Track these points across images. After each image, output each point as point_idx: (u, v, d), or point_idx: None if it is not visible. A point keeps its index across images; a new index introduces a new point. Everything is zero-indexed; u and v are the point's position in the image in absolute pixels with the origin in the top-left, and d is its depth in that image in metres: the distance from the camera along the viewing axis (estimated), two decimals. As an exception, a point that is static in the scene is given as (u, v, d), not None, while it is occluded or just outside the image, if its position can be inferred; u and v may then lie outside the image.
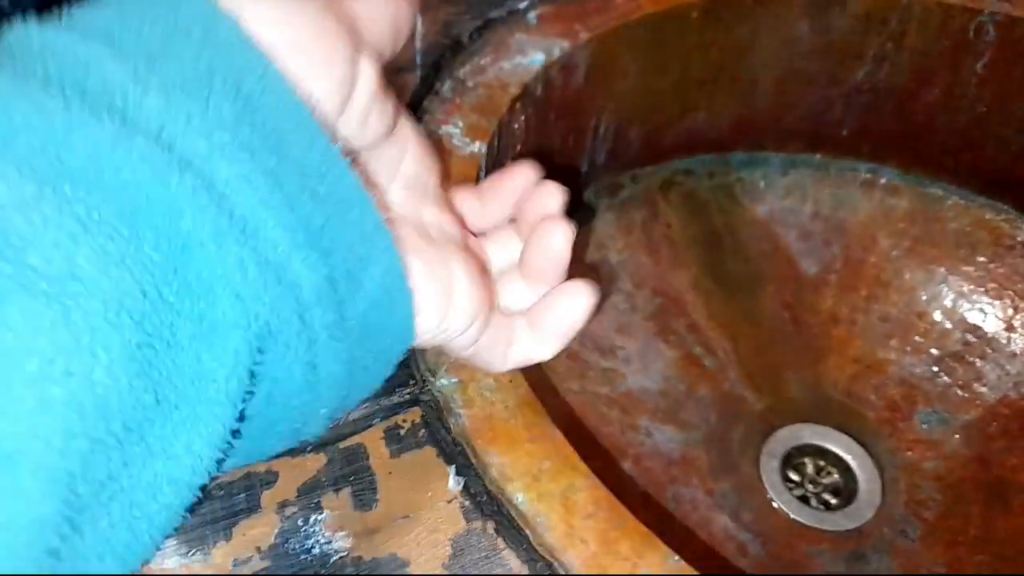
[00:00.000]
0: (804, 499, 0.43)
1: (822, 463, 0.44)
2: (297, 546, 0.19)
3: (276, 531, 0.19)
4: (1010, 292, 0.45)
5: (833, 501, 0.43)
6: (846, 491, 0.43)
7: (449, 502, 0.20)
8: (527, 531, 0.20)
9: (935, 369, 0.45)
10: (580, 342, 0.43)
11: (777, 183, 0.49)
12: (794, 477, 0.44)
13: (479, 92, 0.33)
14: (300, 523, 0.19)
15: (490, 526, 0.19)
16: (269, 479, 0.20)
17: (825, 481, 0.44)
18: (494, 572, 0.18)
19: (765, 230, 0.49)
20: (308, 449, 0.20)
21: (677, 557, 0.20)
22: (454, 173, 0.30)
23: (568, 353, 0.43)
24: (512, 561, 0.19)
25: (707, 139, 0.48)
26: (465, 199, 0.24)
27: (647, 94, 0.43)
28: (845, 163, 0.49)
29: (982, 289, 0.45)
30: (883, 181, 0.48)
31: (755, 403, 0.45)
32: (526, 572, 0.19)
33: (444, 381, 0.23)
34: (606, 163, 0.45)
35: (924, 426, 0.43)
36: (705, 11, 0.41)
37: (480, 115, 0.32)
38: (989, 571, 0.37)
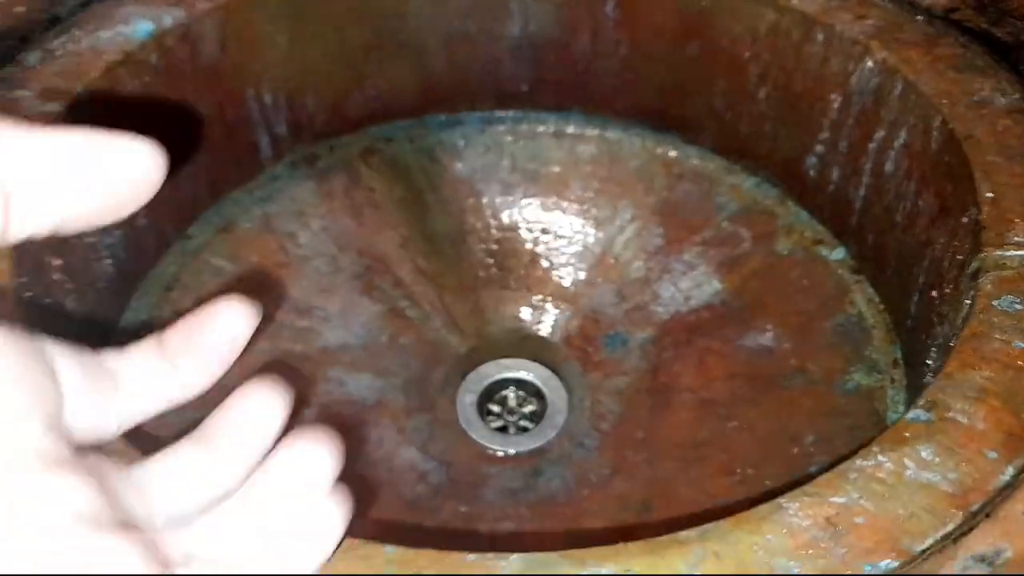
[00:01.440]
0: (503, 428, 0.45)
1: (522, 394, 0.46)
2: None
3: None
4: (680, 218, 0.48)
5: (531, 427, 0.45)
6: (541, 417, 0.45)
7: None
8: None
9: (618, 296, 0.47)
10: (276, 305, 0.44)
11: (476, 141, 0.51)
12: (495, 409, 0.46)
13: (65, 60, 0.34)
14: None
15: None
16: None
17: (524, 410, 0.46)
18: None
19: (467, 187, 0.51)
20: None
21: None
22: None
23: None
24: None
25: (399, 105, 0.50)
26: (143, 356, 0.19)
27: (308, 63, 0.44)
28: (535, 116, 0.51)
29: (658, 218, 0.48)
30: (570, 130, 0.51)
31: (459, 346, 0.46)
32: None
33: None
34: (291, 134, 0.47)
35: (608, 348, 0.46)
36: (341, -24, 0.43)
37: (63, 79, 0.33)
38: (646, 465, 0.40)
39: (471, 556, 0.19)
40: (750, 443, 0.38)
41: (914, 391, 0.35)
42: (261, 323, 0.48)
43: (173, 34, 0.37)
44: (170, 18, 0.37)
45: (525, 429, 0.44)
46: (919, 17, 0.38)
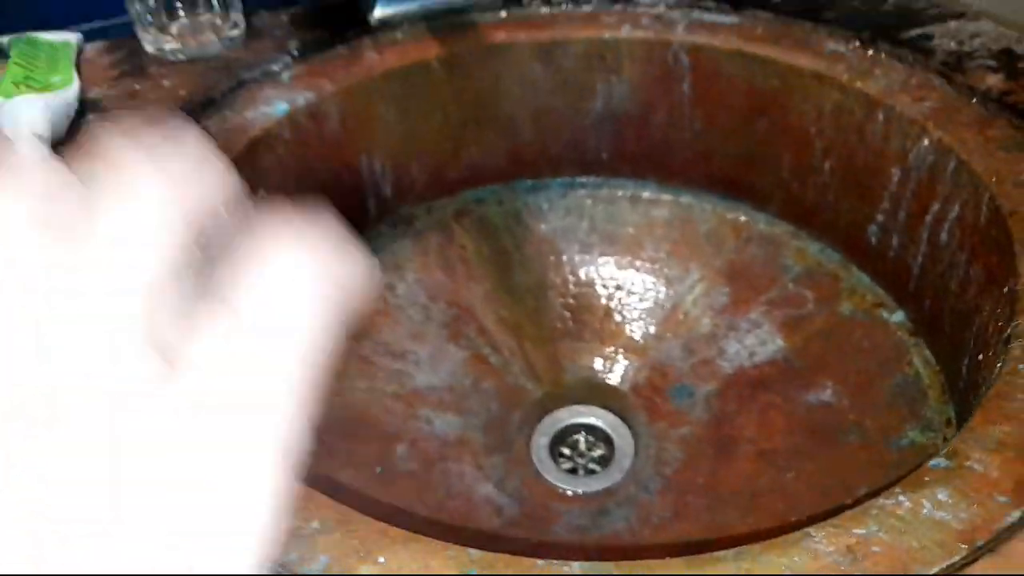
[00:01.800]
0: (572, 470, 0.48)
1: (592, 439, 0.50)
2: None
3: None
4: (747, 279, 0.51)
5: (598, 470, 0.48)
6: (609, 461, 0.48)
7: None
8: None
9: (686, 350, 0.50)
10: (373, 349, 0.50)
11: (558, 204, 0.56)
12: (566, 452, 0.50)
13: (218, 136, 0.41)
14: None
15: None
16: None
17: (593, 454, 0.49)
18: None
19: (549, 245, 0.55)
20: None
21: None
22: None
23: (360, 357, 0.50)
24: None
25: (491, 171, 0.55)
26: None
27: (414, 136, 0.51)
28: (614, 182, 0.56)
29: (725, 278, 0.51)
30: (645, 195, 0.55)
31: (535, 391, 0.50)
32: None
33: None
34: (395, 197, 0.53)
35: (674, 399, 0.49)
36: (445, 62, 0.49)
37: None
38: (706, 511, 0.42)
39: (540, 562, 0.23)
40: (805, 493, 0.40)
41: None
42: (362, 364, 0.53)
43: (304, 112, 0.44)
44: (302, 99, 0.44)
45: (593, 472, 0.48)
46: (974, 100, 0.40)
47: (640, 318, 0.53)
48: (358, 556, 0.22)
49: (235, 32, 0.49)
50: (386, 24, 0.51)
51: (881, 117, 0.42)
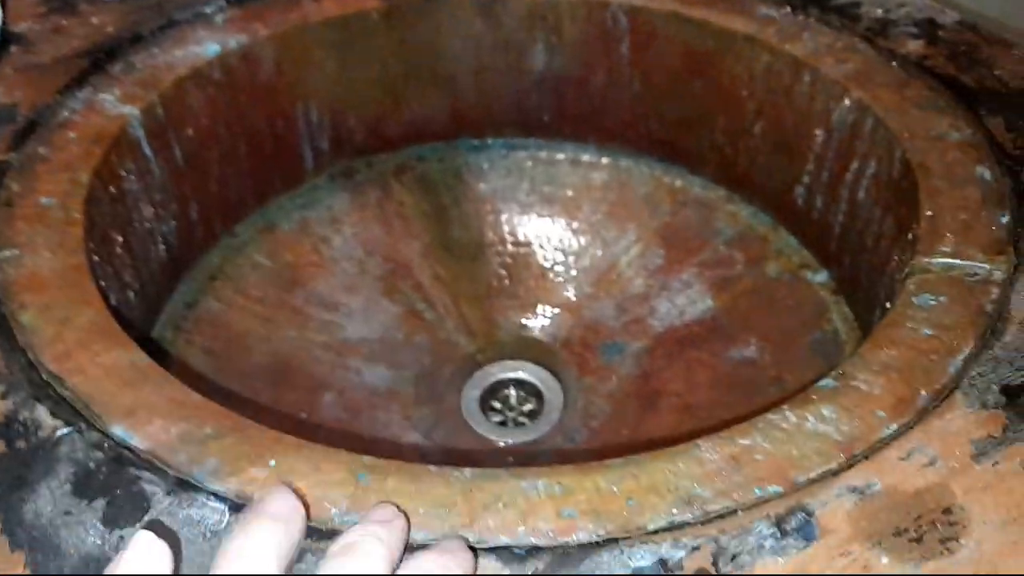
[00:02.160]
0: (503, 423, 0.49)
1: (523, 393, 0.50)
2: None
3: None
4: (681, 241, 0.52)
5: (527, 423, 0.49)
6: (538, 415, 0.49)
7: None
8: (19, 334, 0.26)
9: (619, 309, 0.51)
10: (305, 299, 0.49)
11: (499, 164, 0.56)
12: (497, 406, 0.50)
13: (144, 72, 0.40)
14: None
15: (-11, 333, 0.25)
16: None
17: (524, 408, 0.50)
18: None
19: (488, 205, 0.55)
20: None
21: (143, 354, 0.26)
22: (97, 125, 0.36)
23: (290, 308, 0.49)
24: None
25: (432, 129, 0.55)
26: None
27: (353, 87, 0.50)
28: (553, 144, 0.56)
29: (660, 240, 0.52)
30: (584, 158, 0.56)
31: (468, 347, 0.51)
32: (2, 361, 0.24)
33: (6, 253, 0.29)
34: (332, 149, 0.52)
35: (604, 356, 0.49)
36: (385, 13, 0.48)
37: (139, 87, 0.39)
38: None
39: (433, 468, 0.23)
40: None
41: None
42: (292, 314, 0.52)
43: (236, 55, 0.43)
44: (235, 41, 0.43)
45: (523, 424, 0.48)
46: (894, 63, 0.41)
47: (575, 277, 0.53)
48: (248, 460, 0.22)
49: (169, -27, 0.48)
50: (327, -26, 0.51)
51: (807, 79, 0.43)
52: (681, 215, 0.53)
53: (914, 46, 0.42)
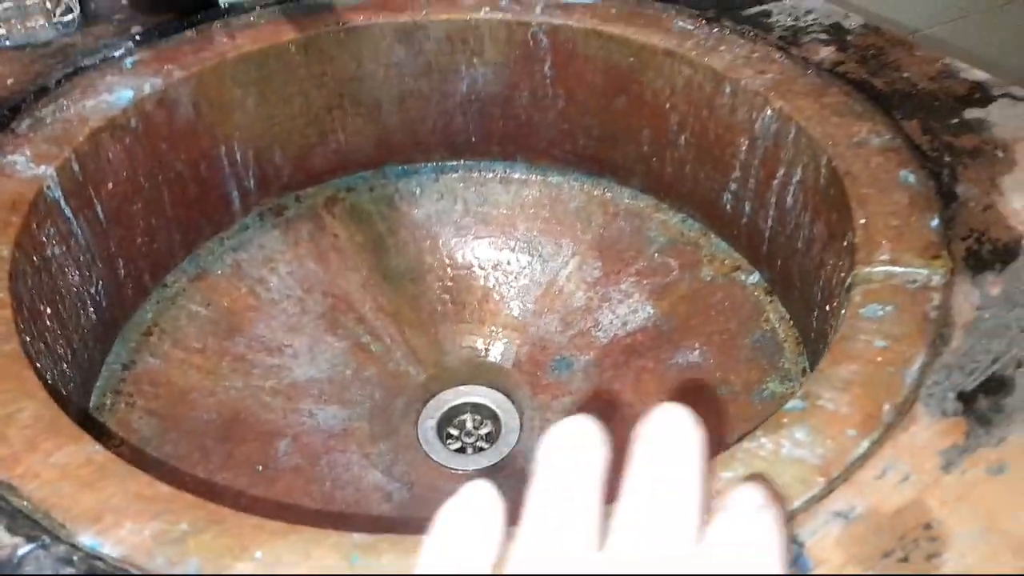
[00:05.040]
0: (461, 449, 0.48)
1: (479, 417, 0.50)
2: None
3: None
4: (616, 251, 0.52)
5: (487, 447, 0.48)
6: (496, 437, 0.48)
7: None
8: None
9: (564, 324, 0.51)
10: (247, 345, 0.47)
11: (430, 188, 0.55)
12: (454, 432, 0.49)
13: (55, 127, 0.37)
14: None
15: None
16: None
17: (481, 431, 0.49)
18: None
19: (424, 230, 0.54)
20: None
21: (98, 446, 0.24)
22: (11, 191, 0.34)
23: (233, 356, 0.47)
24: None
25: (359, 158, 0.53)
26: None
27: (275, 122, 0.48)
28: (484, 164, 0.55)
29: (596, 252, 0.52)
30: (515, 176, 0.55)
31: (418, 375, 0.50)
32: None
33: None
34: (259, 187, 0.50)
35: (554, 372, 0.49)
36: (302, 45, 0.47)
37: (52, 144, 0.36)
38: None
39: (425, 537, 0.22)
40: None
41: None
42: (235, 362, 0.50)
43: (151, 100, 0.41)
44: (148, 86, 0.41)
45: (482, 449, 0.48)
46: (810, 71, 0.43)
47: (518, 296, 0.53)
48: (232, 554, 0.21)
49: (68, 17, 0.44)
50: (236, 7, 0.48)
51: (728, 90, 0.44)
52: (614, 226, 0.53)
53: (826, 52, 0.44)
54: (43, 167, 0.35)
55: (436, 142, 0.54)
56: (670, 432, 0.19)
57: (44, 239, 0.34)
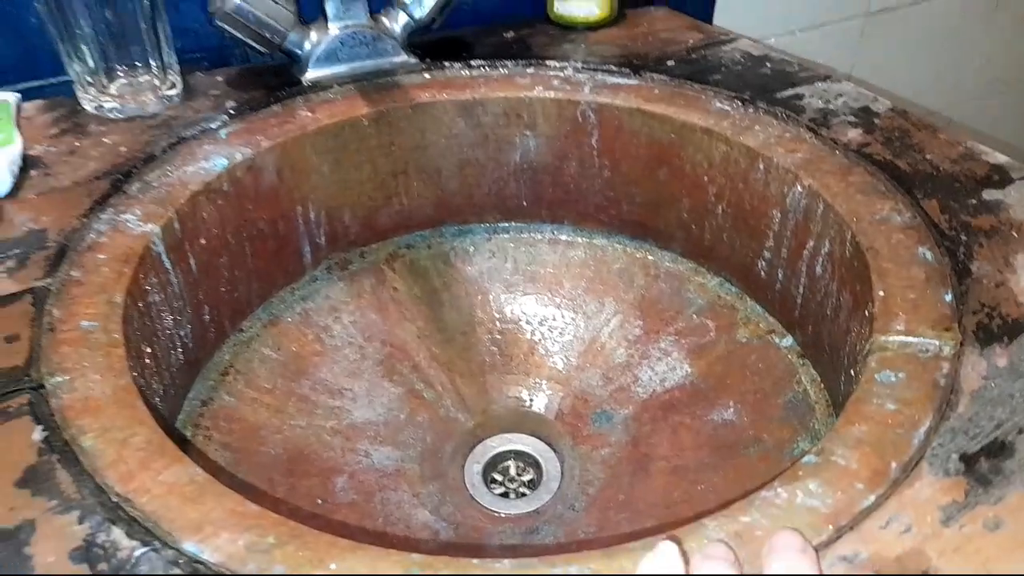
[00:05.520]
0: (505, 494, 0.51)
1: (522, 464, 0.53)
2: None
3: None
4: (656, 311, 0.55)
5: (528, 493, 0.51)
6: (538, 484, 0.51)
7: (30, 446, 0.27)
8: (83, 459, 0.27)
9: (605, 379, 0.54)
10: (312, 387, 0.51)
11: (483, 248, 0.59)
12: (498, 477, 0.52)
13: (160, 190, 0.42)
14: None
15: (55, 458, 0.27)
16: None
17: (524, 478, 0.52)
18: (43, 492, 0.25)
19: (476, 286, 0.59)
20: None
21: (198, 468, 0.28)
22: (124, 246, 0.39)
23: (298, 397, 0.51)
24: (63, 476, 0.26)
25: (419, 218, 0.58)
26: None
27: (347, 186, 0.53)
28: (533, 227, 0.60)
29: (637, 311, 0.56)
30: (563, 238, 0.59)
31: (467, 422, 0.53)
32: (74, 486, 0.26)
33: (57, 379, 0.31)
34: (329, 244, 0.55)
35: (595, 424, 0.52)
36: (374, 119, 0.52)
37: (158, 205, 0.41)
38: (627, 523, 0.45)
39: (476, 561, 0.25)
40: (713, 501, 0.43)
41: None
42: (300, 403, 0.54)
43: (242, 166, 0.46)
44: (240, 154, 0.46)
45: (524, 494, 0.50)
46: (838, 151, 0.46)
47: (562, 350, 0.56)
48: (311, 565, 0.24)
49: (173, 92, 0.50)
50: (317, 85, 0.54)
51: (762, 166, 0.47)
52: (655, 287, 0.57)
53: (854, 134, 0.47)
54: (150, 225, 0.40)
55: (490, 205, 0.59)
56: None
57: (148, 288, 0.39)
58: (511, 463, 0.52)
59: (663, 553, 0.24)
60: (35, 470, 0.27)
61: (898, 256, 0.37)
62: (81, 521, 0.25)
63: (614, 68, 0.55)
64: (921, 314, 0.34)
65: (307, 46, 0.54)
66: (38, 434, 0.28)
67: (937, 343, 0.32)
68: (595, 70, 0.55)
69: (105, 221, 0.40)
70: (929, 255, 0.37)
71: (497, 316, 0.57)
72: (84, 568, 0.24)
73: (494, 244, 0.59)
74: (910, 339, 0.32)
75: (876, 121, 0.48)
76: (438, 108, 0.53)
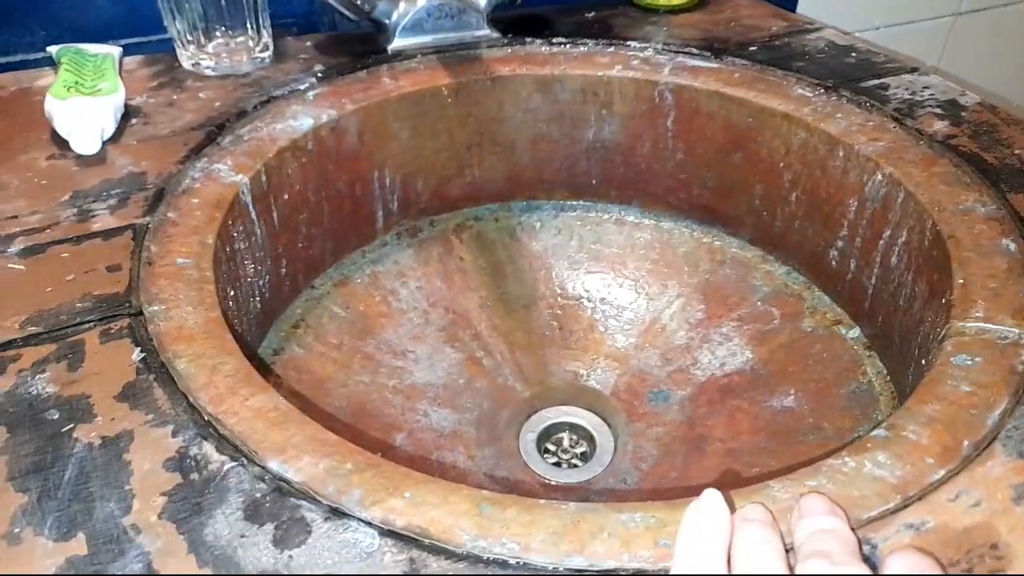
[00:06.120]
0: (557, 464, 0.52)
1: (575, 436, 0.53)
2: (23, 391, 0.28)
3: (12, 383, 0.28)
4: (720, 297, 0.55)
5: (580, 465, 0.52)
6: (590, 457, 0.52)
7: (130, 365, 0.29)
8: (177, 380, 0.29)
9: (663, 359, 0.54)
10: (376, 346, 0.53)
11: (550, 224, 0.60)
12: (551, 448, 0.53)
13: (251, 143, 0.44)
14: (28, 379, 0.28)
15: (151, 378, 0.29)
16: (15, 358, 0.30)
17: (576, 450, 0.53)
18: (147, 398, 0.27)
19: (540, 261, 0.59)
20: (43, 340, 0.30)
21: (281, 398, 0.29)
22: (215, 192, 0.40)
23: (363, 355, 0.53)
24: (159, 394, 0.28)
25: (489, 191, 0.59)
26: None
27: (422, 154, 0.55)
28: (600, 206, 0.60)
29: (700, 296, 0.56)
30: (630, 219, 0.60)
31: (523, 392, 0.54)
32: (169, 403, 0.28)
33: (154, 308, 0.33)
34: (401, 210, 0.56)
35: (651, 403, 0.52)
36: (455, 89, 0.53)
37: (248, 157, 0.43)
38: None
39: (542, 500, 0.26)
40: (769, 485, 0.43)
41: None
42: (365, 360, 0.56)
43: (326, 127, 0.48)
44: (325, 115, 0.48)
45: (576, 466, 0.51)
46: (922, 142, 0.45)
47: (621, 329, 0.57)
48: (387, 491, 0.26)
49: (265, 54, 0.53)
50: (401, 54, 0.55)
51: (841, 154, 0.47)
52: (720, 273, 0.57)
53: (940, 126, 0.46)
54: (239, 176, 0.42)
55: (560, 182, 0.59)
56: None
57: (235, 234, 0.41)
58: (565, 435, 0.53)
59: (708, 498, 0.25)
60: (134, 386, 0.29)
61: (980, 246, 0.37)
62: (175, 435, 0.27)
63: (695, 51, 0.55)
64: (1002, 303, 0.33)
65: (395, 16, 0.55)
66: (137, 355, 0.30)
67: (1017, 331, 0.32)
68: (676, 52, 0.55)
69: (199, 169, 0.42)
70: (1012, 246, 0.36)
71: (559, 292, 0.58)
72: (177, 477, 0.26)
73: (561, 222, 0.60)
74: (989, 326, 0.32)
75: (963, 114, 0.47)
76: (516, 82, 0.54)
